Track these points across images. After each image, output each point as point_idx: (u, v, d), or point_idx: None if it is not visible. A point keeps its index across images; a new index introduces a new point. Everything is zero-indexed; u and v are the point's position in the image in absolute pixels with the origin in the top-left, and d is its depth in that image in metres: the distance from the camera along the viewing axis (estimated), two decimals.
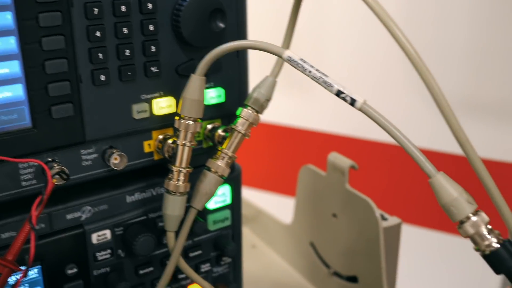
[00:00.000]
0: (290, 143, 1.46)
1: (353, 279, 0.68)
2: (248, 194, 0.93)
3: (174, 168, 0.47)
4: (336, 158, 0.68)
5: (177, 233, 0.48)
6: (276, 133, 1.46)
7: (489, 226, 0.38)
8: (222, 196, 0.55)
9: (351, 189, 0.66)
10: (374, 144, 1.38)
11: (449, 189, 0.39)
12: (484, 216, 0.38)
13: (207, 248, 0.55)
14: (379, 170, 1.40)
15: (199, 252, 0.54)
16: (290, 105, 1.37)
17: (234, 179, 0.56)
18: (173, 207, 0.47)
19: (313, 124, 1.42)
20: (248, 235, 0.89)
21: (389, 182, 1.41)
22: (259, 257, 0.84)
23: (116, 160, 0.47)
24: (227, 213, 0.56)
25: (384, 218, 0.64)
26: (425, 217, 1.28)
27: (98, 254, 0.48)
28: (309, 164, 0.73)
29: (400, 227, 0.64)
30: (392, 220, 0.64)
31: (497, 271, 0.38)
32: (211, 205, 0.54)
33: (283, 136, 1.46)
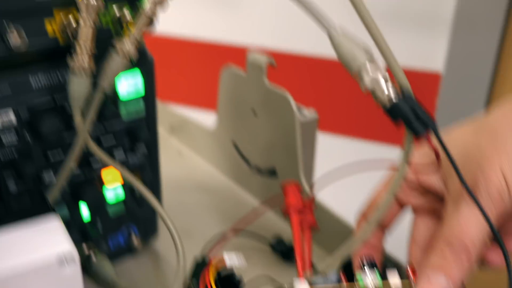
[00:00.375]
0: (218, 58, 1.46)
1: (272, 173, 0.70)
2: (176, 109, 0.93)
3: (78, 49, 0.46)
4: (254, 56, 0.68)
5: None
6: (204, 49, 1.45)
7: (388, 78, 0.39)
8: (134, 87, 0.55)
9: (270, 85, 0.67)
10: (301, 58, 1.40)
11: (348, 42, 0.40)
12: (380, 66, 0.39)
13: (121, 138, 0.55)
14: (305, 83, 1.42)
15: (114, 142, 0.54)
16: (217, 20, 1.36)
17: (146, 70, 0.55)
18: (78, 86, 0.47)
19: (240, 39, 1.42)
20: (175, 144, 0.89)
21: (315, 95, 1.44)
22: (185, 163, 0.85)
23: (16, 40, 0.46)
24: (140, 103, 0.56)
25: (301, 112, 0.66)
26: (341, 125, 1.31)
27: (3, 137, 0.47)
28: (229, 64, 0.73)
29: (316, 122, 0.66)
30: (309, 113, 0.66)
31: (397, 123, 0.40)
32: (124, 94, 0.54)
33: (210, 52, 1.45)
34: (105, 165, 0.55)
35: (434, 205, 0.50)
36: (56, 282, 0.37)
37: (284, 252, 0.62)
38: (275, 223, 0.69)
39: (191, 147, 0.87)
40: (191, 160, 0.86)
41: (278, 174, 0.69)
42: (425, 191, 0.50)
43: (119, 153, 0.55)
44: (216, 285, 0.41)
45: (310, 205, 0.52)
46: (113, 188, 0.56)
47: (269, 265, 0.62)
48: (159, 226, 0.63)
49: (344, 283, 0.44)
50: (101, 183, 0.55)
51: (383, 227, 0.52)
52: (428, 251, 0.43)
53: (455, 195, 0.44)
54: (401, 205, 0.51)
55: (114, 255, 0.59)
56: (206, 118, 0.86)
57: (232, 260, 0.41)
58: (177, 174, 0.82)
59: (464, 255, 0.41)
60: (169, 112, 0.91)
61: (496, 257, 0.46)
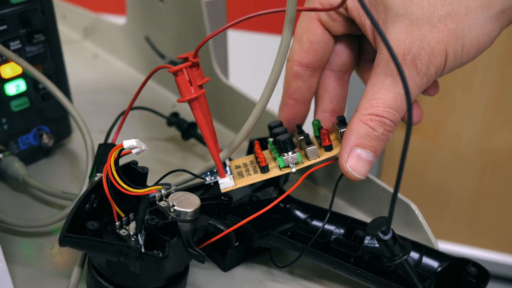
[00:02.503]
0: None
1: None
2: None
3: None
4: None
5: None
6: None
7: None
8: None
9: None
10: None
11: None
12: None
13: (14, 24, 0.51)
14: None
15: (4, 27, 0.51)
16: None
17: None
18: None
19: None
20: (89, 47, 0.86)
21: None
22: (101, 66, 0.82)
23: None
24: None
25: None
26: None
27: None
28: None
29: (224, 2, 0.64)
30: None
31: None
32: None
33: None
34: (3, 61, 0.52)
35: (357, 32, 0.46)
36: None
37: (183, 129, 0.61)
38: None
39: (106, 48, 0.84)
40: (106, 62, 0.83)
41: None
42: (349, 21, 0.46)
43: (15, 44, 0.52)
44: (117, 173, 0.40)
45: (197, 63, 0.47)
46: (13, 81, 0.53)
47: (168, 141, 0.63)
48: (73, 128, 0.61)
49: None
50: (0, 78, 0.52)
51: (315, 68, 0.48)
52: (350, 122, 0.42)
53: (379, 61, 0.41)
54: (329, 36, 0.47)
55: (27, 156, 0.57)
56: (118, 21, 0.83)
57: (131, 144, 0.40)
58: (93, 77, 0.79)
59: (388, 132, 0.40)
60: (82, 14, 0.86)
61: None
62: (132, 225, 0.40)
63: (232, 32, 0.69)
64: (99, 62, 0.83)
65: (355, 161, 0.41)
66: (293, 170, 0.43)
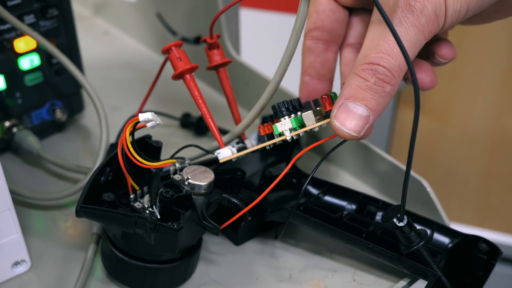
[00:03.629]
0: None
1: (197, 40, 0.69)
2: None
3: None
4: None
5: None
6: None
7: None
8: None
9: None
10: None
11: None
12: None
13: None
14: None
15: (19, 1, 0.51)
16: None
17: None
18: None
19: None
20: (100, 24, 0.86)
21: None
22: (112, 42, 0.82)
23: None
24: None
25: None
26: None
27: None
28: None
29: None
30: None
31: None
32: None
33: None
34: (17, 35, 0.52)
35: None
36: None
37: (194, 124, 0.61)
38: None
39: (117, 25, 0.84)
40: (117, 38, 0.83)
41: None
42: None
43: (29, 18, 0.52)
44: (133, 146, 0.40)
45: (215, 43, 0.48)
46: (27, 56, 0.53)
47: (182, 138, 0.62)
48: (86, 103, 0.61)
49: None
50: (14, 53, 0.53)
51: (327, 41, 0.46)
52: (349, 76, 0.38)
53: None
54: (336, 5, 0.45)
55: (40, 131, 0.57)
56: None
57: (146, 117, 0.40)
58: (104, 54, 0.79)
59: (383, 82, 0.36)
60: None
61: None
62: (147, 198, 0.41)
63: (244, 11, 0.69)
64: (110, 39, 0.83)
65: (345, 115, 0.37)
66: (288, 136, 0.41)
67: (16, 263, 0.43)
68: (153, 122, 0.41)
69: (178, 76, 0.44)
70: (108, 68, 0.76)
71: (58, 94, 0.58)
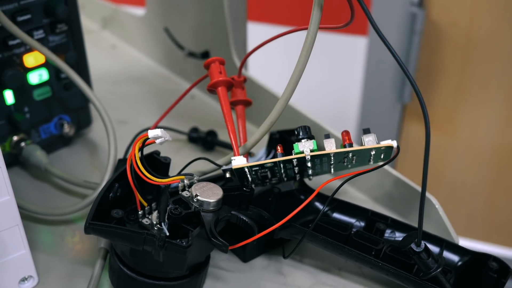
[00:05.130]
0: None
1: (206, 55, 0.69)
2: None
3: None
4: None
5: None
6: None
7: None
8: None
9: None
10: None
11: None
12: None
13: (38, 14, 0.52)
14: None
15: (28, 16, 0.51)
16: None
17: None
18: None
19: None
20: (108, 37, 0.86)
21: None
22: (119, 56, 0.83)
23: None
24: None
25: None
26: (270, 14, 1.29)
27: None
28: None
29: None
30: None
31: None
32: None
33: None
34: (27, 50, 0.52)
35: None
36: None
37: (202, 139, 0.61)
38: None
39: (124, 39, 0.84)
40: (125, 52, 0.83)
41: (211, 55, 0.68)
42: None
43: (38, 33, 0.53)
44: (142, 162, 0.40)
45: (240, 81, 0.51)
46: (36, 70, 0.54)
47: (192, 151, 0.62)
48: (93, 118, 0.62)
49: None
50: (24, 68, 0.53)
51: None
52: None
53: None
54: None
55: (48, 145, 0.57)
56: (137, 12, 0.83)
57: (156, 133, 0.40)
58: (111, 68, 0.80)
59: None
60: (100, 5, 0.87)
61: None
62: (155, 214, 0.41)
63: (251, 25, 0.69)
64: (117, 53, 0.83)
65: None
66: (308, 155, 0.42)
67: (24, 279, 0.43)
68: (162, 138, 0.41)
69: (213, 86, 0.46)
70: (116, 81, 0.76)
71: (66, 109, 0.58)
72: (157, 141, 0.41)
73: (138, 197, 0.41)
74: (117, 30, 0.86)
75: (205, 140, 0.60)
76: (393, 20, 1.16)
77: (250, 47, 0.72)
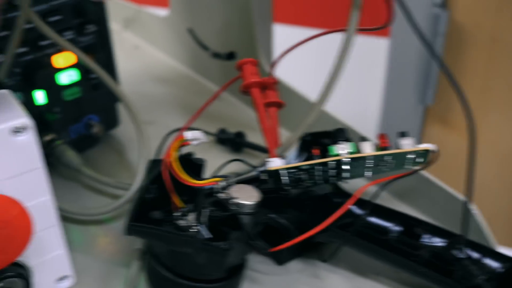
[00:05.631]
0: None
1: (231, 56, 0.68)
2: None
3: None
4: None
5: None
6: None
7: None
8: None
9: None
10: None
11: None
12: None
13: (68, 14, 0.52)
14: None
15: (59, 17, 0.51)
16: None
17: None
18: None
19: None
20: (130, 38, 0.86)
21: None
22: (142, 56, 0.83)
23: None
24: None
25: None
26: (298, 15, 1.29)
27: None
28: None
29: None
30: None
31: None
32: None
33: None
34: (57, 51, 0.52)
35: None
36: (12, 150, 0.36)
37: (231, 140, 0.60)
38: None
39: (147, 39, 0.84)
40: (148, 53, 0.83)
41: (237, 56, 0.68)
42: None
43: (68, 34, 0.53)
44: (179, 164, 0.40)
45: (272, 83, 0.50)
46: (66, 71, 0.54)
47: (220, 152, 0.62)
48: (121, 118, 0.61)
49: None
50: (54, 68, 0.53)
51: None
52: None
53: None
54: None
55: (77, 145, 0.57)
56: (160, 13, 0.83)
57: (192, 135, 0.40)
58: (135, 68, 0.79)
59: None
60: (122, 6, 0.87)
61: None
62: (191, 215, 0.40)
63: (278, 27, 0.69)
64: (140, 53, 0.83)
65: None
66: (346, 158, 0.41)
67: (60, 279, 0.43)
68: (199, 140, 0.41)
69: (247, 87, 0.46)
70: (139, 82, 0.76)
71: (95, 109, 0.58)
72: (193, 142, 0.41)
73: (175, 198, 0.41)
74: (139, 31, 0.85)
75: (234, 142, 0.60)
76: (416, 22, 1.15)
77: (276, 49, 0.71)
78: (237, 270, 0.41)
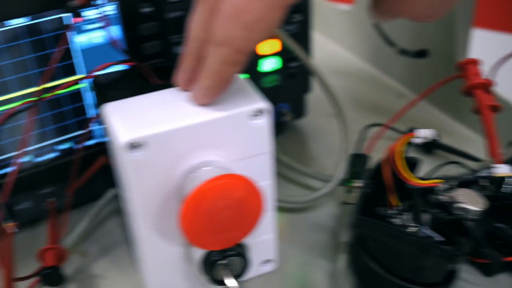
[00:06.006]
0: None
1: (421, 53, 0.66)
2: None
3: None
4: None
5: None
6: None
7: None
8: None
9: None
10: None
11: None
12: None
13: None
14: None
15: None
16: None
17: None
18: None
19: None
20: None
21: None
22: (319, 48, 0.82)
23: None
24: None
25: None
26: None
27: None
28: None
29: None
30: None
31: None
32: None
33: None
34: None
35: None
36: (249, 133, 0.37)
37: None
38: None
39: (323, 30, 0.84)
40: (324, 45, 0.83)
41: (429, 54, 0.65)
42: None
43: None
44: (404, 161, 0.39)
45: (487, 85, 0.48)
46: (269, 58, 0.55)
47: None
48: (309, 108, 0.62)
49: None
50: (257, 54, 0.54)
51: None
52: None
53: None
54: None
55: None
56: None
57: (427, 134, 0.39)
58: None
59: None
60: None
61: None
62: (406, 214, 0.39)
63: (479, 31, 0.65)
64: (317, 45, 0.83)
65: None
66: None
67: (265, 262, 0.44)
68: (424, 139, 0.40)
69: (471, 88, 0.45)
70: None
71: (288, 98, 0.58)
72: (417, 140, 0.40)
73: (394, 195, 0.40)
74: (317, 23, 0.85)
75: (426, 142, 0.58)
76: None
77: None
78: (452, 277, 0.40)
